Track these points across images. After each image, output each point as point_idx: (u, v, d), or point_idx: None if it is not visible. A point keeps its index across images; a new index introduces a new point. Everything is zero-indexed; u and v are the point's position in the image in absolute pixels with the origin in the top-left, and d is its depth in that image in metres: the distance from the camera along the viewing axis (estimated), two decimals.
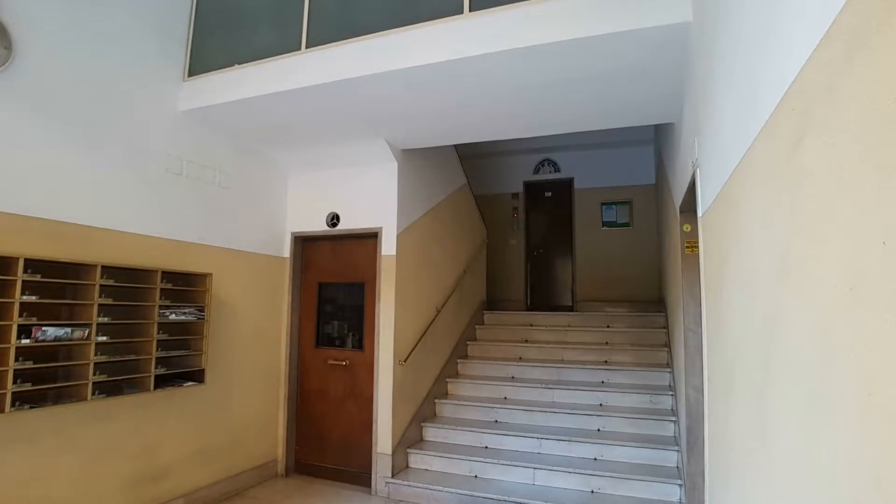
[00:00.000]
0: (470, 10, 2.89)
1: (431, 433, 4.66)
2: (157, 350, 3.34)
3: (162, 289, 3.39)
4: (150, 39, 3.57)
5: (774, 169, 1.13)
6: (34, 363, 2.74)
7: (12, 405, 2.64)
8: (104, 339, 3.06)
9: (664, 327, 5.43)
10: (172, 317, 3.47)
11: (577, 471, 3.88)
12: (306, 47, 3.33)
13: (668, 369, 4.81)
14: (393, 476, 4.17)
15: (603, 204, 7.33)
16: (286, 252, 4.77)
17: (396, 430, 4.27)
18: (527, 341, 5.75)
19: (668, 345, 5.09)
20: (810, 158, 0.93)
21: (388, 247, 4.35)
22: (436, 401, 4.97)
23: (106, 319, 3.07)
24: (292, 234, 4.77)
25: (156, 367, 3.34)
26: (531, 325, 6.00)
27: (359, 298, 4.67)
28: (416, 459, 4.39)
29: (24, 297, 2.70)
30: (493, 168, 7.88)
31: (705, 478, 2.22)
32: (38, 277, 2.75)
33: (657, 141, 6.05)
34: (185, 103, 3.73)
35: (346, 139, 4.26)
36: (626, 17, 2.53)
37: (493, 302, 7.06)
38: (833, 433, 0.83)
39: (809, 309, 0.94)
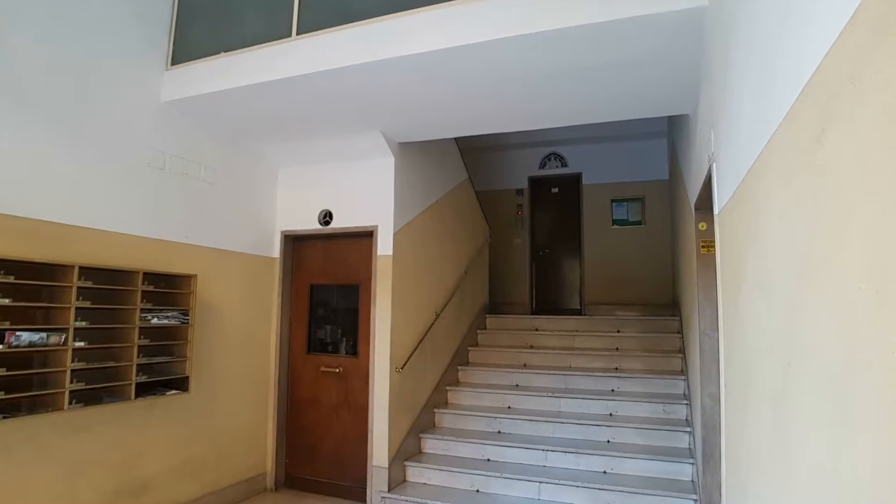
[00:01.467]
0: None
1: (430, 445, 4.66)
2: (138, 356, 3.35)
3: (143, 291, 3.39)
4: (131, 26, 3.57)
5: (795, 163, 1.14)
6: (7, 370, 2.74)
7: None
8: (82, 344, 3.06)
9: (678, 332, 5.43)
10: (155, 321, 3.47)
11: (586, 485, 3.88)
12: (297, 34, 3.33)
13: (683, 377, 4.81)
14: (389, 490, 4.17)
15: (613, 201, 7.33)
16: (276, 252, 4.77)
17: (393, 441, 4.28)
18: (532, 347, 5.75)
19: (682, 350, 5.10)
20: (833, 152, 0.93)
21: (384, 246, 4.36)
22: (435, 410, 4.97)
23: (84, 324, 3.07)
24: (282, 232, 4.78)
25: (137, 375, 3.34)
26: (536, 330, 6.01)
27: (353, 301, 4.67)
28: (414, 473, 4.40)
29: None
30: (496, 163, 7.89)
31: (722, 492, 2.22)
32: (11, 279, 2.75)
33: (671, 134, 6.05)
34: (169, 93, 3.73)
35: (340, 132, 4.26)
36: (638, 1, 2.53)
37: (496, 305, 7.06)
38: (857, 442, 0.83)
39: (832, 311, 0.94)
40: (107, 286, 3.22)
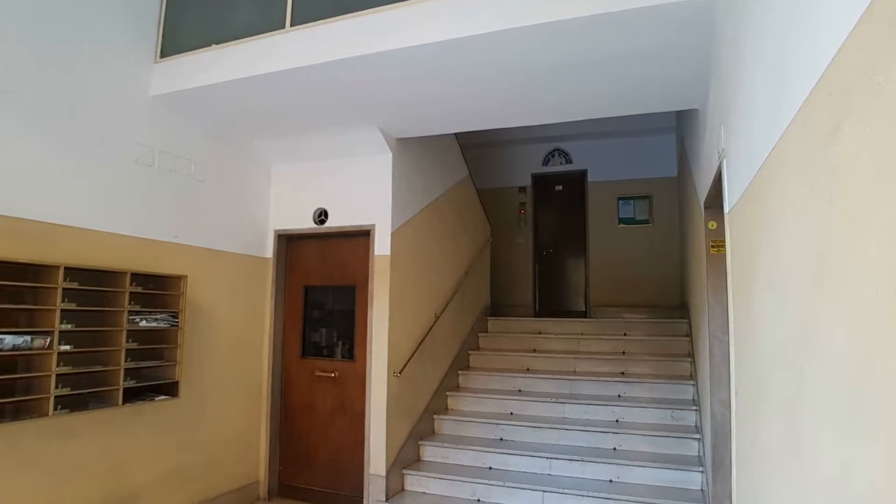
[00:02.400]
0: None
1: (430, 452, 4.66)
2: (126, 360, 3.34)
3: (132, 293, 3.39)
4: (118, 18, 3.57)
5: (809, 159, 1.14)
6: None
7: None
8: (67, 348, 3.06)
9: (687, 335, 5.43)
10: (143, 323, 3.47)
11: (591, 494, 3.88)
12: (291, 25, 3.33)
13: (692, 382, 4.81)
14: (387, 500, 4.17)
15: (619, 199, 7.32)
16: (269, 252, 4.77)
17: (391, 448, 4.27)
18: (535, 351, 5.75)
19: (691, 355, 5.09)
20: (849, 147, 0.93)
21: (381, 246, 4.36)
22: (434, 416, 4.97)
23: (69, 326, 3.07)
24: (276, 232, 4.78)
25: (125, 380, 3.34)
26: (540, 333, 6.00)
27: (349, 303, 4.67)
28: (413, 481, 4.39)
29: None
30: (498, 159, 7.88)
31: (733, 502, 2.22)
32: None
33: (679, 129, 6.04)
34: (157, 87, 3.73)
35: (336, 127, 4.26)
36: None
37: (498, 307, 7.06)
38: (874, 452, 0.83)
39: (848, 314, 0.94)
40: (93, 287, 3.22)
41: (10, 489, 2.89)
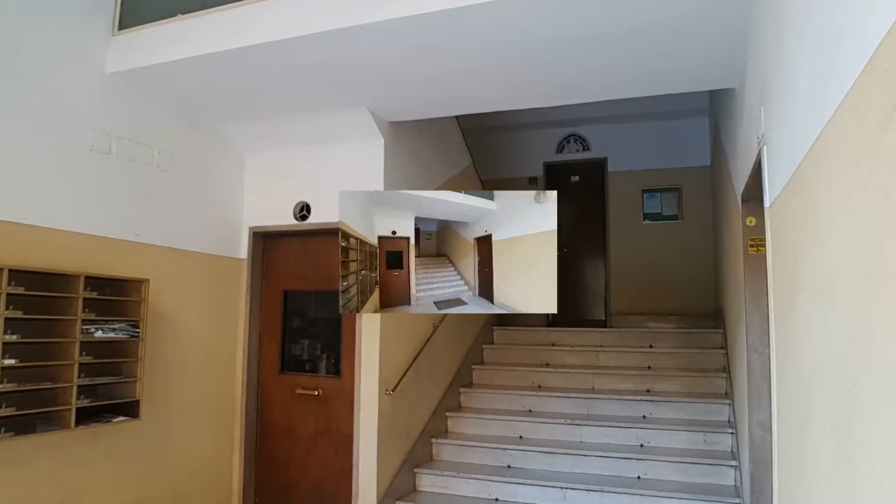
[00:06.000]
0: None
1: (427, 481, 4.66)
2: (79, 376, 3.34)
3: (86, 298, 3.39)
4: None
5: (862, 146, 1.13)
6: None
7: None
8: (12, 362, 3.06)
9: (722, 348, 5.44)
10: (99, 334, 3.47)
11: None
12: None
13: (727, 400, 4.81)
14: None
15: (644, 191, 7.32)
16: (243, 252, 4.77)
17: (382, 477, 4.28)
18: (548, 365, 5.75)
19: (726, 370, 5.10)
20: None
21: None
22: (432, 440, 4.97)
23: (14, 338, 3.06)
24: (251, 229, 4.78)
25: (78, 398, 3.33)
26: (553, 345, 6.01)
27: (335, 311, 4.66)
28: None
29: None
30: (505, 146, 7.89)
31: None
32: None
33: (713, 112, 6.05)
34: (115, 63, 3.73)
35: (319, 109, 4.26)
36: None
37: (505, 316, 7.05)
38: None
39: None
40: (41, 293, 3.22)
41: None
